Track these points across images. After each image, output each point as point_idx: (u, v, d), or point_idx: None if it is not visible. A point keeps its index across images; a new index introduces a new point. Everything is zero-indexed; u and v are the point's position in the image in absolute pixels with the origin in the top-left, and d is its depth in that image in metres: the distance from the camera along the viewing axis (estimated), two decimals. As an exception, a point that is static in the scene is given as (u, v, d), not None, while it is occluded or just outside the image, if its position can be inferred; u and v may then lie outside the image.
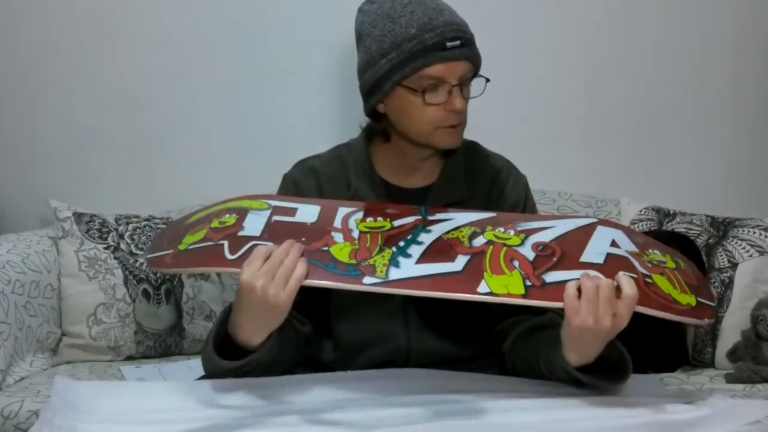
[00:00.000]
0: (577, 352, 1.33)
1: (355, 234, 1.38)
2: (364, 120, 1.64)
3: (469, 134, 1.70)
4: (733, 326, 2.19)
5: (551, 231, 1.39)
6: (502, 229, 1.39)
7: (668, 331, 2.16)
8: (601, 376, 1.36)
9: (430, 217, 1.43)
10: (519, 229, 1.39)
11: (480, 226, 1.40)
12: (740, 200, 2.53)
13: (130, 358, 2.28)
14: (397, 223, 1.41)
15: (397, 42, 1.49)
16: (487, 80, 1.56)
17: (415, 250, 1.35)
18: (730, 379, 2.08)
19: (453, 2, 1.60)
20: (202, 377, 1.49)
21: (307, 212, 1.43)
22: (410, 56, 1.49)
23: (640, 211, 2.38)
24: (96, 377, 2.12)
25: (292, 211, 1.43)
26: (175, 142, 2.56)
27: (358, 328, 1.57)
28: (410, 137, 1.56)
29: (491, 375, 1.50)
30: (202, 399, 1.33)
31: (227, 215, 1.42)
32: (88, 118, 2.55)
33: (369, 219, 1.41)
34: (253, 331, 1.34)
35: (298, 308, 1.41)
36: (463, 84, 1.51)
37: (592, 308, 1.26)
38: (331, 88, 2.49)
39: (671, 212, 2.37)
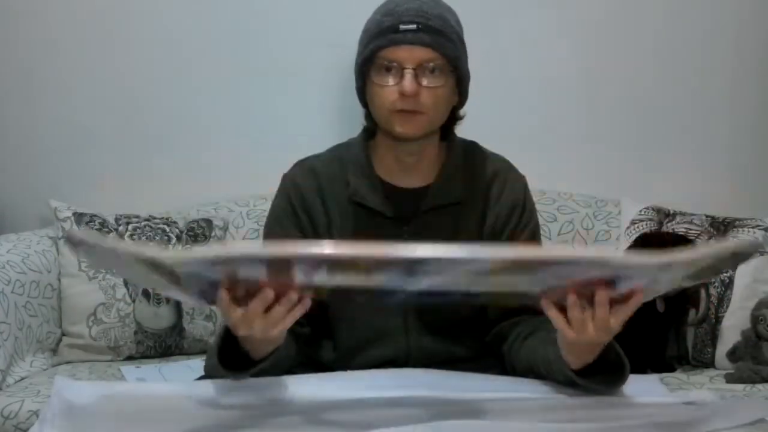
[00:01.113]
0: (574, 357, 1.33)
1: None
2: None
3: (469, 134, 1.70)
4: (733, 326, 2.18)
5: None
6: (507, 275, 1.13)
7: (668, 331, 2.16)
8: (599, 378, 1.36)
9: (417, 266, 1.08)
10: (531, 276, 1.15)
11: (482, 275, 1.12)
12: (740, 200, 2.53)
13: (130, 358, 2.28)
14: (376, 276, 1.11)
15: (367, 28, 1.55)
16: (463, 80, 1.56)
17: None
18: (730, 379, 2.08)
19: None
20: (202, 377, 1.50)
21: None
22: (370, 39, 1.52)
23: (640, 211, 2.38)
24: (96, 377, 2.12)
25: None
26: (175, 142, 2.56)
27: (358, 328, 1.57)
28: (379, 125, 1.57)
29: (491, 374, 1.51)
30: (202, 399, 1.33)
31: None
32: (88, 118, 2.55)
33: (337, 276, 1.12)
34: (254, 350, 1.34)
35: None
36: (421, 70, 1.49)
37: (586, 335, 1.24)
38: (332, 88, 2.49)
39: (671, 212, 2.37)
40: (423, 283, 1.11)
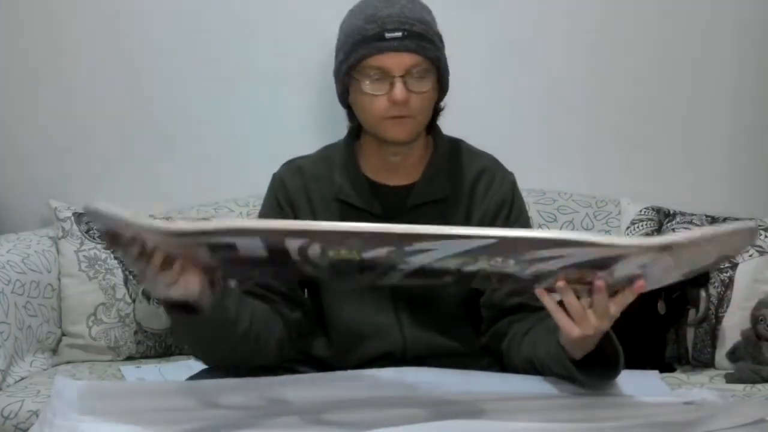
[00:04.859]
0: (575, 347, 1.33)
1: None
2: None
3: (470, 134, 1.70)
4: (733, 326, 2.18)
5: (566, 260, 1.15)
6: (499, 259, 1.14)
7: (668, 331, 2.16)
8: (596, 371, 1.35)
9: (407, 248, 1.12)
10: (523, 258, 1.14)
11: (472, 256, 1.13)
12: (740, 200, 2.53)
13: (130, 358, 2.28)
14: (367, 254, 1.14)
15: (348, 34, 1.56)
16: (443, 76, 1.57)
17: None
18: (730, 379, 2.08)
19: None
20: (195, 375, 1.50)
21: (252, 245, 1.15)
22: (353, 47, 1.54)
23: (640, 211, 2.38)
24: (96, 377, 2.12)
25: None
26: (175, 142, 2.56)
27: (351, 324, 1.59)
28: (367, 130, 1.59)
29: (492, 373, 1.51)
30: (202, 399, 1.33)
31: None
32: (88, 118, 2.54)
33: (331, 252, 1.14)
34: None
35: (284, 297, 1.52)
36: (410, 76, 1.51)
37: (587, 325, 1.25)
38: (332, 89, 2.49)
39: (671, 212, 2.37)
40: (415, 261, 1.14)
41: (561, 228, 2.40)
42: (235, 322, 1.41)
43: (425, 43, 1.53)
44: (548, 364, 1.41)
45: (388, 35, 1.50)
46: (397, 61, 1.50)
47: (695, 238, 1.12)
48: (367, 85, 1.53)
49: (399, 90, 1.50)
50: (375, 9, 1.53)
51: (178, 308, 1.30)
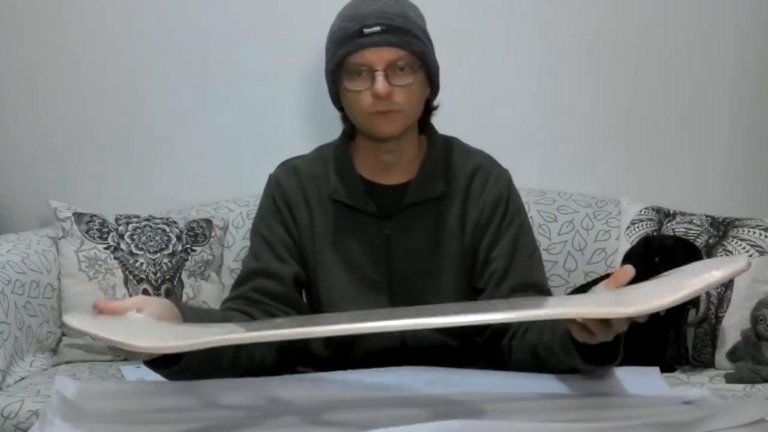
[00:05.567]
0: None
1: None
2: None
3: (469, 133, 1.71)
4: (733, 326, 2.18)
5: None
6: None
7: (668, 331, 2.16)
8: (598, 358, 1.36)
9: None
10: None
11: None
12: (740, 200, 2.53)
13: (130, 358, 2.28)
14: None
15: (330, 35, 1.58)
16: (432, 72, 1.58)
17: None
18: (730, 379, 2.08)
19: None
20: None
21: None
22: (336, 47, 1.55)
23: (640, 211, 2.38)
24: (96, 377, 2.12)
25: None
26: (175, 143, 2.56)
27: None
28: (358, 128, 1.60)
29: (492, 372, 1.51)
30: (202, 399, 1.33)
31: None
32: (88, 118, 2.55)
33: None
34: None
35: (280, 300, 1.52)
36: (392, 70, 1.52)
37: (607, 334, 1.26)
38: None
39: (671, 212, 2.37)
40: None
41: (561, 228, 2.41)
42: (221, 350, 1.40)
43: (407, 37, 1.53)
44: (553, 347, 1.40)
45: (366, 30, 1.51)
46: (378, 56, 1.51)
47: (686, 296, 1.15)
48: (350, 82, 1.54)
49: (380, 83, 1.51)
50: (355, 8, 1.55)
51: (160, 361, 1.30)
